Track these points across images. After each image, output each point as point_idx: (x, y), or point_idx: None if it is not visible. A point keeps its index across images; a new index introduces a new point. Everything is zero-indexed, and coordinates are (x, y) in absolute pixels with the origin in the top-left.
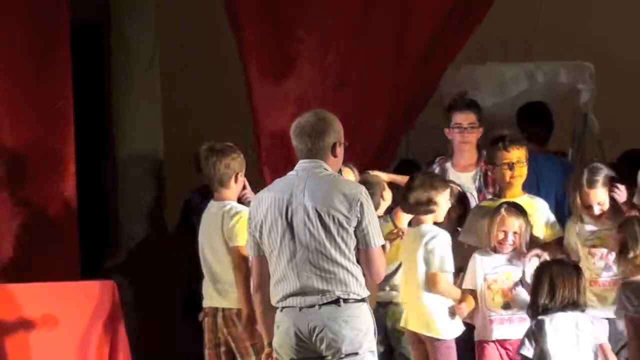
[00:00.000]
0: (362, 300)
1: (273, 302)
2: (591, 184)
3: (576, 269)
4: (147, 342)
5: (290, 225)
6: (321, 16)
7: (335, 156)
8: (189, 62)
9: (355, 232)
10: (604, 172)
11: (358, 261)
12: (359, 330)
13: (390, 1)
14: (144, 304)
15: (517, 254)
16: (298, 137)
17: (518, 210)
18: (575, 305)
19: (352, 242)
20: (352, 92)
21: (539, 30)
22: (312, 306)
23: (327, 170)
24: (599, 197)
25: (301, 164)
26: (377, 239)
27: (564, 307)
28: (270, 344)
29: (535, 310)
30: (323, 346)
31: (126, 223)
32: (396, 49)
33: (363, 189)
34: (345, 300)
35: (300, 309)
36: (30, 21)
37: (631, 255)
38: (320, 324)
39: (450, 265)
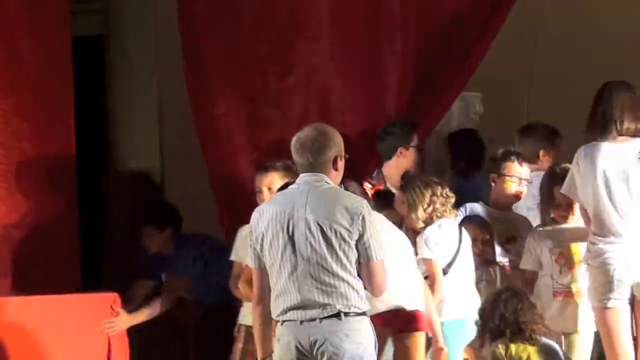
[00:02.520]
0: (363, 313)
1: (274, 315)
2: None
3: None
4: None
5: (291, 238)
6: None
7: (336, 170)
8: None
9: (356, 245)
10: None
11: (359, 274)
12: (360, 343)
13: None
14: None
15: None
16: (299, 152)
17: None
18: None
19: (354, 256)
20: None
21: (539, 46)
22: (313, 320)
23: (328, 183)
24: None
25: (302, 178)
26: (378, 252)
27: None
28: None
29: None
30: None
31: (123, 234)
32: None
33: (365, 202)
34: (346, 314)
35: (301, 322)
36: (31, 34)
37: (419, 210)
38: (321, 337)
39: None
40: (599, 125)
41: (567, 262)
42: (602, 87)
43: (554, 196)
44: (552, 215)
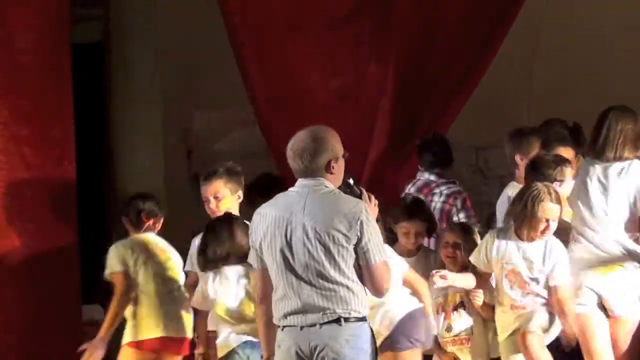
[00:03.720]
0: (363, 318)
1: (274, 319)
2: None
3: None
4: None
5: (289, 244)
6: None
7: (331, 173)
8: (189, 79)
9: (355, 249)
10: None
11: (360, 278)
12: (360, 349)
13: None
14: None
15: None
16: (293, 158)
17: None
18: None
19: (352, 260)
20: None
21: (538, 53)
22: (313, 325)
23: (327, 187)
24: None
25: (301, 181)
26: (377, 255)
27: None
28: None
29: None
30: None
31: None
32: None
33: (363, 206)
34: (347, 319)
35: (302, 328)
36: (31, 40)
37: None
38: (321, 343)
39: None
40: (599, 149)
41: (517, 279)
42: (606, 111)
43: (536, 212)
44: (525, 230)
